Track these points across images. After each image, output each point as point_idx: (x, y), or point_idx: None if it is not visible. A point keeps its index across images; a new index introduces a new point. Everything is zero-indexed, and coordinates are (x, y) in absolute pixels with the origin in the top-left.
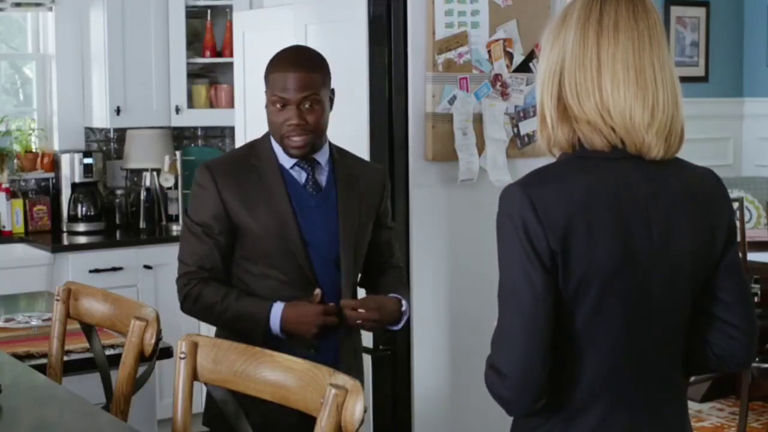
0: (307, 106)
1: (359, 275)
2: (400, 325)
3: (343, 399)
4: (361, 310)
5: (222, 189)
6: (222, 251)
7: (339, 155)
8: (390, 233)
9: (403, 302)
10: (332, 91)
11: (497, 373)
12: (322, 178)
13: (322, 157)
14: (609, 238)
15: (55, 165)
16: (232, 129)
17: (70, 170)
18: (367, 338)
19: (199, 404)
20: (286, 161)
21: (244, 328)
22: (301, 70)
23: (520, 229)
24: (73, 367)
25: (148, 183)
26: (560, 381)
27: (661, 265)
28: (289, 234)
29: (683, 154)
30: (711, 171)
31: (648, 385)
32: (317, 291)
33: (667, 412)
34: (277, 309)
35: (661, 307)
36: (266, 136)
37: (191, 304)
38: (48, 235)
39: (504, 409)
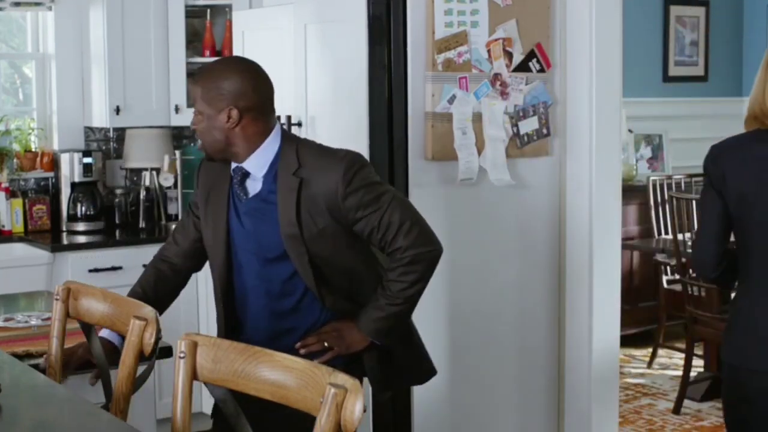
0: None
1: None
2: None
3: (343, 398)
4: (311, 339)
5: (200, 184)
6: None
7: (300, 162)
8: (367, 221)
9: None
10: (231, 109)
11: (693, 253)
12: (256, 186)
13: (254, 169)
14: (751, 175)
15: (54, 164)
16: None
17: (70, 170)
18: None
19: (199, 404)
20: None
21: None
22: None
23: (706, 169)
24: None
25: (147, 182)
26: (743, 264)
27: None
28: (218, 235)
29: (684, 154)
30: None
31: None
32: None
33: None
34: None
35: None
36: None
37: None
38: (47, 234)
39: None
